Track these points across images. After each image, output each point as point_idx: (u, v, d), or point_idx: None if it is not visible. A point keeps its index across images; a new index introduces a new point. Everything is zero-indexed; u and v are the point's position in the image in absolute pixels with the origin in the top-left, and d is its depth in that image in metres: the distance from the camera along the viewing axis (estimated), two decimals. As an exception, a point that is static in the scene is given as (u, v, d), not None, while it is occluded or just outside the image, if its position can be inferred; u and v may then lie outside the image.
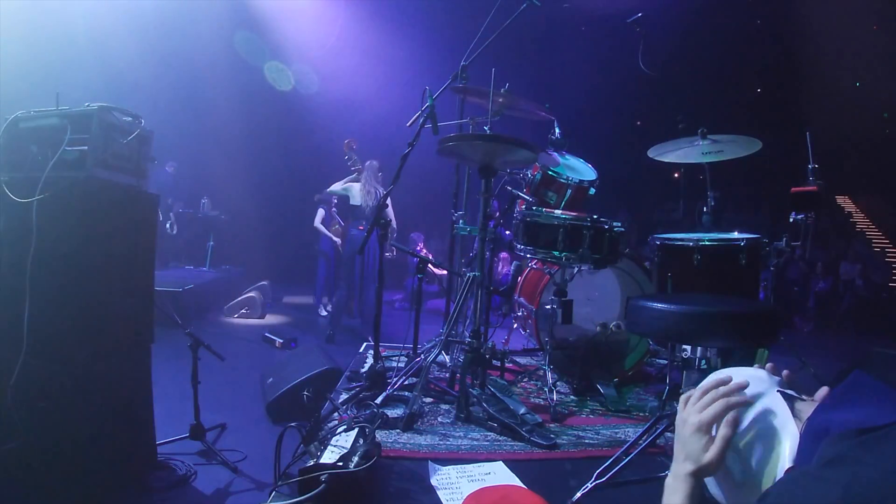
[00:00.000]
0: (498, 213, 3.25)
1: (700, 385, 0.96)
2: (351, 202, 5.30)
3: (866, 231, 11.95)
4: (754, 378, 0.94)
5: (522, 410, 2.42)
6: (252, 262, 8.36)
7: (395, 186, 2.75)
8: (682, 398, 0.97)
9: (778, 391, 0.91)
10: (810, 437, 0.83)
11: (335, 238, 6.61)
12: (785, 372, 0.96)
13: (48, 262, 1.83)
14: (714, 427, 0.91)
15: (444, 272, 6.11)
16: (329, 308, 6.67)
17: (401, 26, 8.33)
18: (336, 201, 6.53)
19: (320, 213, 6.69)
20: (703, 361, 1.68)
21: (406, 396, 2.54)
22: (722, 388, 0.93)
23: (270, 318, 6.31)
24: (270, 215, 9.02)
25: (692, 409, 0.94)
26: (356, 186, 5.29)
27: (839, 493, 0.68)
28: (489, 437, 2.26)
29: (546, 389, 2.64)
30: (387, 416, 2.26)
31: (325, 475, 1.54)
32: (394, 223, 5.37)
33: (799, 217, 2.37)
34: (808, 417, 0.84)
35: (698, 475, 0.91)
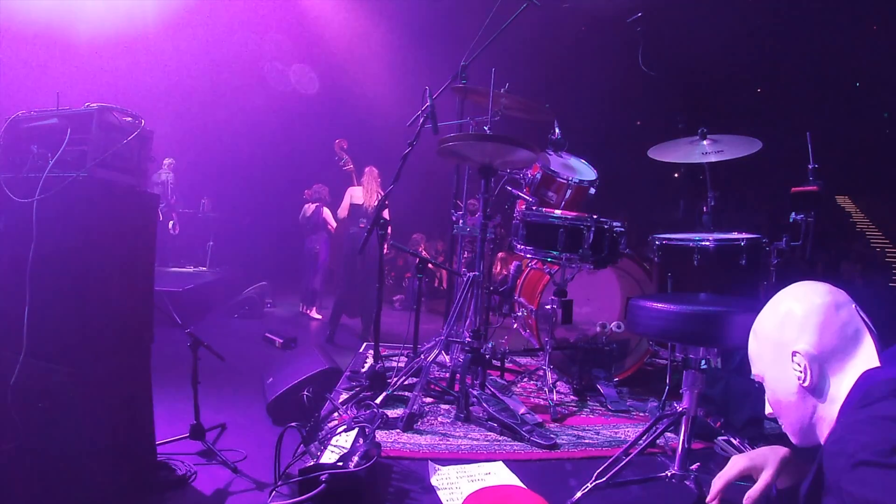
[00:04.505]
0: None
1: None
2: (352, 202, 5.36)
3: (866, 231, 11.94)
4: None
5: (522, 410, 2.43)
6: (252, 262, 8.35)
7: (395, 186, 2.76)
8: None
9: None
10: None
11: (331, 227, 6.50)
12: None
13: (48, 262, 1.83)
14: None
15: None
16: (306, 310, 6.63)
17: (401, 26, 8.32)
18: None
19: (326, 210, 6.50)
20: (703, 361, 1.68)
21: (406, 396, 2.54)
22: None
23: (270, 318, 6.31)
24: (271, 216, 9.01)
25: None
26: (358, 189, 5.37)
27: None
28: (489, 437, 2.26)
29: (546, 389, 2.64)
30: (387, 416, 2.26)
31: (325, 475, 1.54)
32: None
33: (799, 217, 2.37)
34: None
35: None
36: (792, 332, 1.02)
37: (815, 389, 0.99)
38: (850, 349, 0.98)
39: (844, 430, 0.85)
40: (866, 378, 0.92)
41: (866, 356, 0.97)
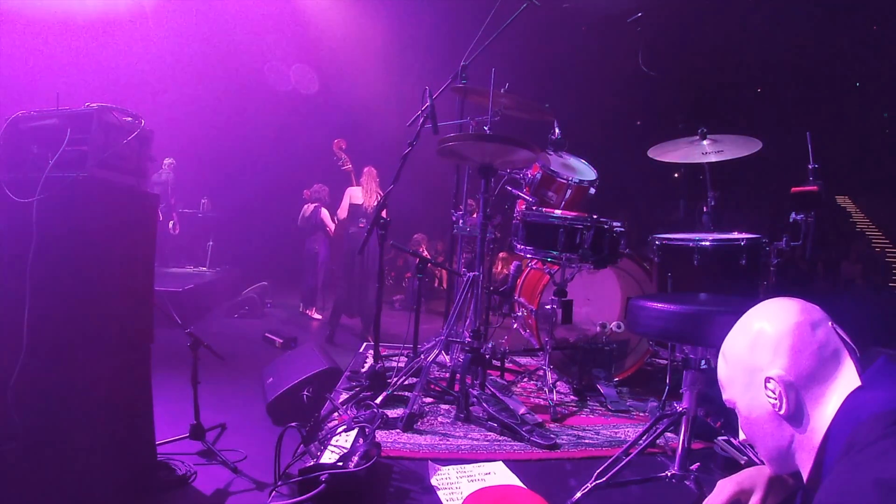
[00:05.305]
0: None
1: None
2: (352, 202, 5.38)
3: (866, 231, 11.95)
4: None
5: (522, 410, 2.43)
6: (252, 262, 8.35)
7: (395, 186, 2.76)
8: None
9: None
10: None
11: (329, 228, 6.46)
12: None
13: (48, 262, 1.83)
14: None
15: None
16: (306, 310, 6.58)
17: (401, 26, 8.32)
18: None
19: (324, 211, 6.48)
20: (703, 361, 1.68)
21: (406, 396, 2.54)
22: None
23: (270, 318, 6.30)
24: (270, 216, 9.01)
25: None
26: (357, 189, 5.38)
27: None
28: (489, 437, 2.26)
29: (546, 389, 2.64)
30: (387, 416, 2.25)
31: (325, 475, 1.54)
32: None
33: (799, 217, 2.37)
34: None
35: None
36: (764, 355, 0.93)
37: (793, 418, 0.90)
38: (830, 372, 0.89)
39: (829, 489, 0.76)
40: (852, 407, 0.84)
41: (847, 379, 0.89)
